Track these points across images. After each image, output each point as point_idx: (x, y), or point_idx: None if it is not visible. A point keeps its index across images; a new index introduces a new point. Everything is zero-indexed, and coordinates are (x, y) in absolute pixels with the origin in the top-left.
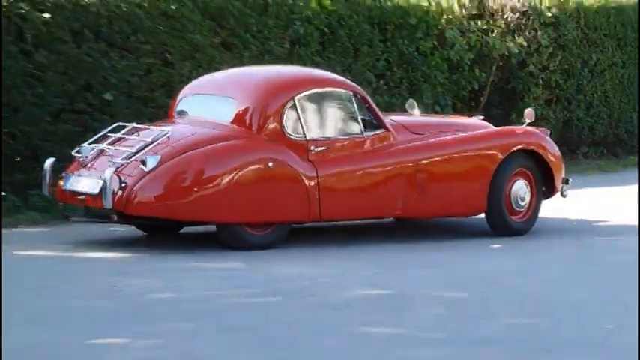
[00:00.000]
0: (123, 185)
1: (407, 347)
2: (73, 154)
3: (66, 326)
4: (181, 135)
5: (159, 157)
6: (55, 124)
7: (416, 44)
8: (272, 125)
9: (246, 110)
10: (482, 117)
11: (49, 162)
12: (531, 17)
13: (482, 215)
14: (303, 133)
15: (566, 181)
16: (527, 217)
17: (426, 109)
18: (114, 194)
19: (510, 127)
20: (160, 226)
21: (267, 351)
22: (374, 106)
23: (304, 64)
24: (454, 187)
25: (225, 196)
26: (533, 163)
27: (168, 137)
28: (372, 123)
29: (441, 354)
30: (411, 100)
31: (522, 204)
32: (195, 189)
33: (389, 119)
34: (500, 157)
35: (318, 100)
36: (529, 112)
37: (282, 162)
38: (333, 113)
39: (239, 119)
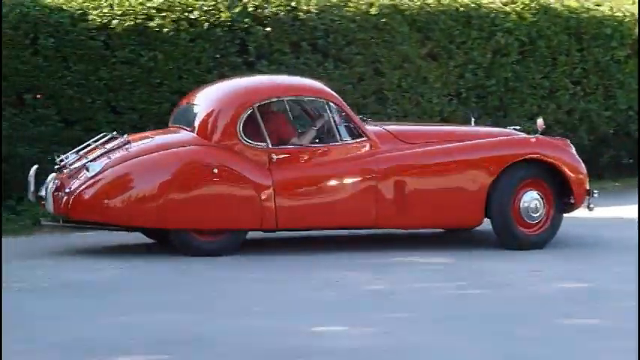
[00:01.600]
0: (67, 190)
1: (600, 339)
2: (56, 160)
3: (294, 316)
4: (138, 144)
5: (102, 164)
6: None
7: (611, 52)
8: (228, 133)
9: (206, 118)
10: (518, 128)
11: (32, 169)
12: None
13: None
14: (265, 141)
15: (589, 193)
16: (542, 229)
17: (619, 114)
18: (59, 199)
19: (520, 136)
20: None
21: (480, 339)
22: (352, 114)
23: (505, 73)
24: (439, 198)
25: (166, 202)
26: (546, 174)
27: (127, 146)
28: (352, 131)
29: (633, 345)
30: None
31: (535, 215)
32: (133, 195)
33: (380, 128)
34: (499, 167)
35: (284, 108)
36: (540, 122)
37: (229, 169)
38: (302, 122)
39: (200, 127)
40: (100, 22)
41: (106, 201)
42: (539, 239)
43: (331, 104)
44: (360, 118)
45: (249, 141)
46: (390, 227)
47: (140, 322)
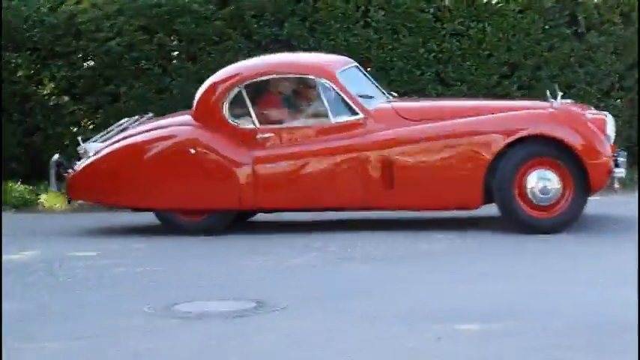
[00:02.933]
0: (70, 171)
1: None
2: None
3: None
4: (144, 125)
5: (98, 145)
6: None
7: None
8: (214, 113)
9: (198, 99)
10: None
11: (53, 159)
12: None
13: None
14: (252, 121)
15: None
16: (558, 212)
17: None
18: (65, 180)
19: (529, 111)
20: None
21: None
22: (349, 91)
23: None
24: (433, 179)
25: (148, 182)
26: (558, 152)
27: (134, 127)
28: (346, 109)
29: None
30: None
31: (545, 197)
32: (120, 176)
33: (386, 105)
34: (498, 146)
35: (273, 88)
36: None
37: (209, 148)
38: (292, 100)
39: (194, 108)
40: None
41: (96, 182)
42: (553, 223)
43: (322, 82)
44: (389, 93)
45: (236, 121)
46: (380, 208)
47: (475, 290)
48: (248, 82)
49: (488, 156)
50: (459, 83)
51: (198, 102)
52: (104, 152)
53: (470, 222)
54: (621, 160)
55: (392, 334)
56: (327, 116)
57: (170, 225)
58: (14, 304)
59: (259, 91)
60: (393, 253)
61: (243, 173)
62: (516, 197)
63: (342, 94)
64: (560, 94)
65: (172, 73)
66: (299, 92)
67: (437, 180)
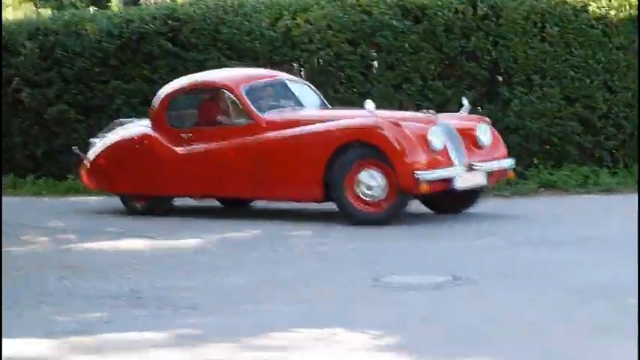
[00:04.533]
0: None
1: None
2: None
3: None
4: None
5: (97, 141)
6: None
7: None
8: (159, 118)
9: (151, 108)
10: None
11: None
12: None
13: None
14: (179, 123)
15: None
16: (380, 208)
17: None
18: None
19: (357, 120)
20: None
21: None
22: (245, 101)
23: None
24: (289, 177)
25: (117, 172)
26: (381, 155)
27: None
28: (246, 116)
29: None
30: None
31: (370, 193)
32: (101, 167)
33: (276, 115)
34: (330, 149)
35: (192, 98)
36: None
37: (149, 145)
38: (205, 108)
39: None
40: (599, 12)
41: (88, 172)
42: (378, 217)
43: (227, 93)
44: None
45: (172, 124)
46: (254, 198)
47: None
48: (180, 94)
49: (325, 157)
50: (624, 91)
51: (151, 109)
52: (97, 147)
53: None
54: (481, 166)
55: (567, 308)
56: (230, 121)
57: (129, 208)
58: (243, 277)
59: (188, 100)
60: (564, 238)
61: (169, 166)
62: (346, 194)
63: (242, 103)
64: (466, 106)
65: (373, 80)
66: (213, 101)
67: (290, 176)
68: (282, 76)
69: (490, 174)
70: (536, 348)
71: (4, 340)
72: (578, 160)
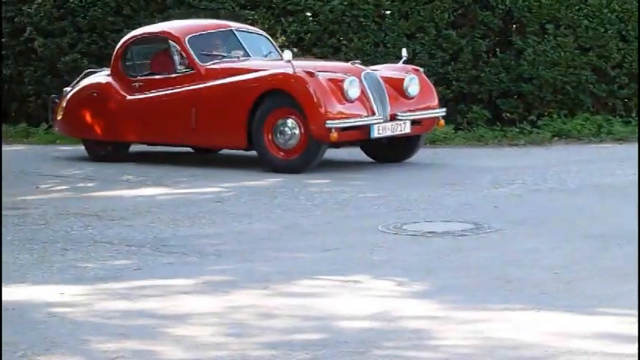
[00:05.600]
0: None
1: None
2: None
3: None
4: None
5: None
6: None
7: None
8: (116, 67)
9: (112, 57)
10: (359, 62)
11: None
12: None
13: None
14: (132, 72)
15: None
16: (296, 155)
17: None
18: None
19: (272, 71)
20: None
21: None
22: (189, 52)
23: None
24: (216, 125)
25: (80, 120)
26: (293, 103)
27: None
28: (189, 65)
29: None
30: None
31: (284, 141)
32: (70, 114)
33: (216, 65)
34: (251, 99)
35: (145, 47)
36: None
37: (104, 92)
38: (155, 57)
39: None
40: None
41: (58, 119)
42: (293, 165)
43: (172, 43)
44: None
45: (127, 72)
46: (190, 145)
47: None
48: (133, 43)
49: (247, 106)
50: (638, 40)
51: (111, 58)
52: (67, 96)
53: None
54: (404, 115)
55: (589, 254)
56: (174, 69)
57: (92, 154)
58: (266, 225)
59: (140, 49)
60: (580, 186)
61: (121, 112)
62: (264, 141)
63: (185, 53)
64: (404, 57)
65: (386, 29)
66: (163, 51)
67: (218, 125)
68: (233, 26)
69: (418, 123)
70: (563, 293)
71: (32, 287)
72: (592, 109)
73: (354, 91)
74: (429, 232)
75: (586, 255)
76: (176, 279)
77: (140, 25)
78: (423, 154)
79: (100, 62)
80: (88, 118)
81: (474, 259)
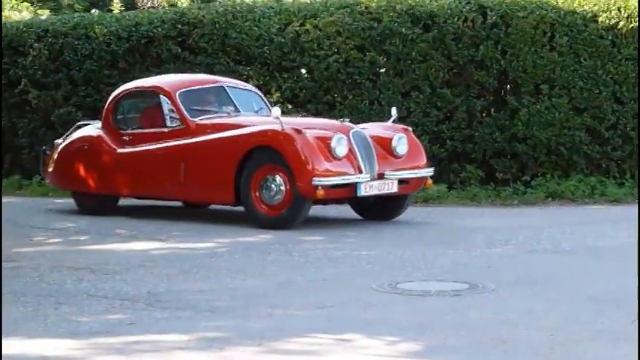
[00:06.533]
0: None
1: None
2: None
3: None
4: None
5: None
6: None
7: None
8: (107, 120)
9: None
10: (348, 120)
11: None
12: None
13: None
14: (123, 125)
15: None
16: (282, 212)
17: None
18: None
19: (262, 127)
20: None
21: None
22: (180, 107)
23: None
24: (205, 180)
25: (68, 171)
26: (280, 160)
27: None
28: (179, 120)
29: None
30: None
31: (270, 197)
32: (58, 168)
33: (207, 121)
34: (238, 155)
35: (136, 101)
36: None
37: (95, 146)
38: (146, 111)
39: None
40: (609, 23)
41: (49, 171)
42: (279, 220)
43: (163, 97)
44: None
45: (117, 125)
46: (179, 199)
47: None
48: (125, 97)
49: (235, 161)
50: (632, 102)
51: (103, 111)
52: (58, 148)
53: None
54: (392, 174)
55: (584, 317)
56: (164, 124)
57: (81, 206)
58: (260, 281)
59: (132, 103)
60: (574, 247)
61: (110, 166)
62: (251, 197)
63: (176, 108)
64: (394, 116)
65: (381, 87)
66: (154, 105)
67: (207, 179)
68: (224, 82)
69: (405, 182)
70: (558, 355)
71: (26, 340)
72: (586, 171)
73: (341, 149)
74: (424, 291)
75: (581, 317)
76: (170, 334)
77: (135, 79)
78: (415, 212)
79: (95, 115)
80: (79, 170)
81: (469, 319)
